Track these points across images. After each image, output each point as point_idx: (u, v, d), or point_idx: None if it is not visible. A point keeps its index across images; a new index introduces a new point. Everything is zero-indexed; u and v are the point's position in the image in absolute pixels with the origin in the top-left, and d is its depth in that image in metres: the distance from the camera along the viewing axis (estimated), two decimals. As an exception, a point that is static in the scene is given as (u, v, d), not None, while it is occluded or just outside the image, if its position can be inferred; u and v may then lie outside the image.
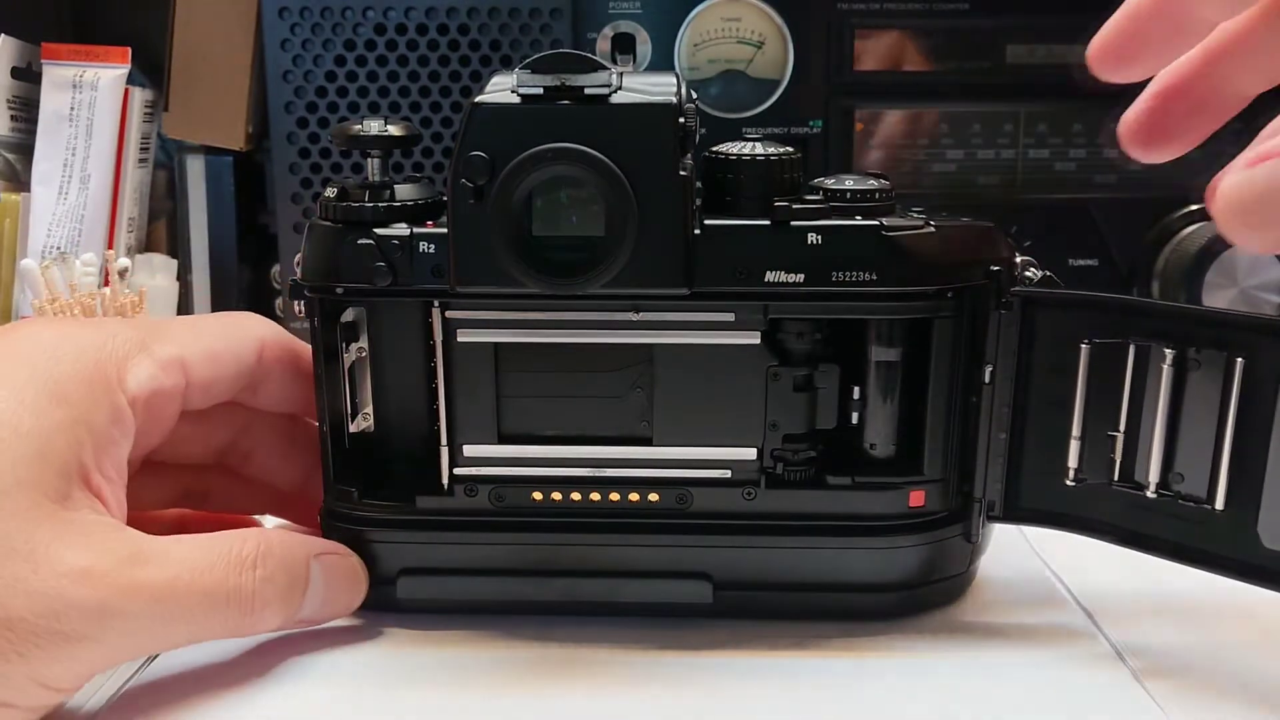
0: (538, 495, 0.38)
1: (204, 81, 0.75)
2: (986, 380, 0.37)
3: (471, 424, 0.38)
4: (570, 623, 0.38)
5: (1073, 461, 0.37)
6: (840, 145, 0.69)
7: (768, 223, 0.35)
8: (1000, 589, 0.41)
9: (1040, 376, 0.37)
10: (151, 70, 0.80)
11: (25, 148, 0.77)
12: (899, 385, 0.38)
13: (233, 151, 0.77)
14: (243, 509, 0.42)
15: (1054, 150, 0.63)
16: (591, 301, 0.36)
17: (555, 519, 0.38)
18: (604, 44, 0.69)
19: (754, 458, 0.38)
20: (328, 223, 0.37)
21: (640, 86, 0.34)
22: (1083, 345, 0.36)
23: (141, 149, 0.80)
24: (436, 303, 0.37)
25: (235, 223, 0.78)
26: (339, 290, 0.37)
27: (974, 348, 0.37)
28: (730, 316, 0.36)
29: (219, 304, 0.78)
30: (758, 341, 0.37)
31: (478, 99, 0.34)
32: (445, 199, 0.35)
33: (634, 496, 0.38)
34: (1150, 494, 0.35)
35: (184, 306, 0.78)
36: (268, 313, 0.77)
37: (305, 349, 0.39)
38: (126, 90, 0.77)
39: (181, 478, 0.40)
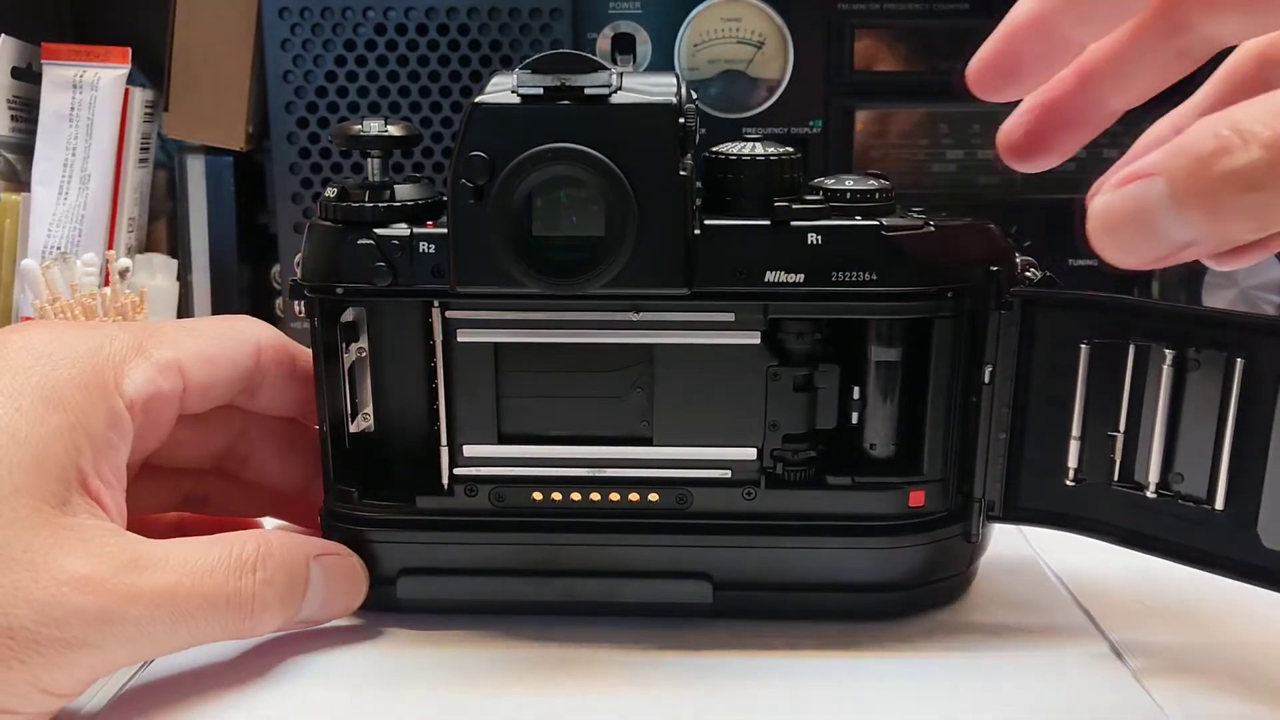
0: (538, 495, 0.38)
1: (204, 81, 0.75)
2: (986, 380, 0.37)
3: (471, 424, 0.38)
4: (570, 623, 0.38)
5: (1073, 461, 0.37)
6: (840, 145, 0.69)
7: (768, 223, 0.35)
8: (1000, 589, 0.41)
9: (1040, 376, 0.37)
10: (151, 70, 0.80)
11: (25, 148, 0.77)
12: (899, 385, 0.38)
13: (233, 151, 0.77)
14: (242, 512, 0.42)
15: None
16: (591, 301, 0.36)
17: (555, 519, 0.38)
18: (604, 44, 0.69)
19: (754, 458, 0.38)
20: (328, 223, 0.37)
21: (640, 86, 0.34)
22: (1082, 345, 0.36)
23: (141, 149, 0.80)
24: (436, 303, 0.37)
25: (235, 223, 0.78)
26: (339, 290, 0.37)
27: (974, 348, 0.37)
28: (730, 316, 0.36)
29: (219, 304, 0.78)
30: (758, 341, 0.37)
31: (478, 99, 0.34)
32: (445, 199, 0.35)
33: (634, 496, 0.38)
34: (1150, 494, 0.35)
35: (184, 307, 0.78)
36: (268, 313, 0.77)
37: (302, 352, 0.39)
38: (126, 90, 0.77)
39: (181, 482, 0.40)
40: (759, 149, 0.37)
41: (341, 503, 0.38)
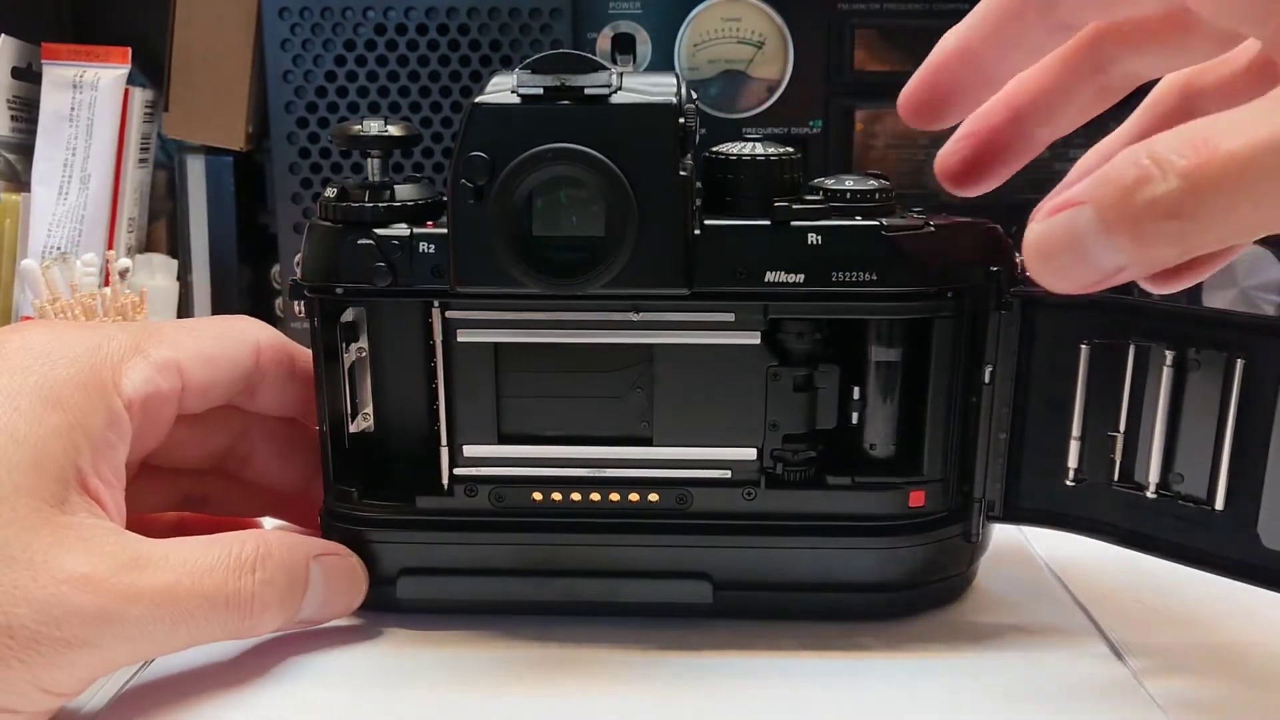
0: (538, 495, 0.38)
1: (204, 81, 0.75)
2: (986, 380, 0.37)
3: (471, 424, 0.38)
4: (570, 623, 0.38)
5: (1073, 461, 0.37)
6: (840, 145, 0.69)
7: (768, 223, 0.35)
8: (1000, 589, 0.41)
9: (1040, 376, 0.37)
10: (151, 70, 0.80)
11: (25, 148, 0.77)
12: (899, 385, 0.38)
13: (233, 151, 0.77)
14: (242, 512, 0.42)
15: (1054, 150, 0.63)
16: (591, 301, 0.36)
17: (555, 519, 0.38)
18: (604, 44, 0.69)
19: (754, 458, 0.38)
20: (328, 223, 0.37)
21: (640, 86, 0.34)
22: (1083, 345, 0.36)
23: (141, 149, 0.80)
24: (436, 303, 0.37)
25: (235, 223, 0.78)
26: (339, 290, 0.37)
27: (974, 348, 0.37)
28: (730, 316, 0.36)
29: (219, 304, 0.78)
30: (758, 341, 0.37)
31: (478, 99, 0.34)
32: (445, 199, 0.35)
33: (634, 496, 0.38)
34: (1150, 494, 0.35)
35: (184, 307, 0.78)
36: (268, 313, 0.77)
37: (301, 352, 0.39)
38: (126, 90, 0.77)
39: (180, 482, 0.40)
40: (759, 149, 0.36)
41: (341, 503, 0.38)
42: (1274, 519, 0.33)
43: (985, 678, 0.35)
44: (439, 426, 0.38)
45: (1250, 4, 0.29)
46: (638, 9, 0.69)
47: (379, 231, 0.36)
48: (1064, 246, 0.29)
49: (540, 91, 0.33)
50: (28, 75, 0.78)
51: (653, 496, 0.38)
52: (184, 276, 0.78)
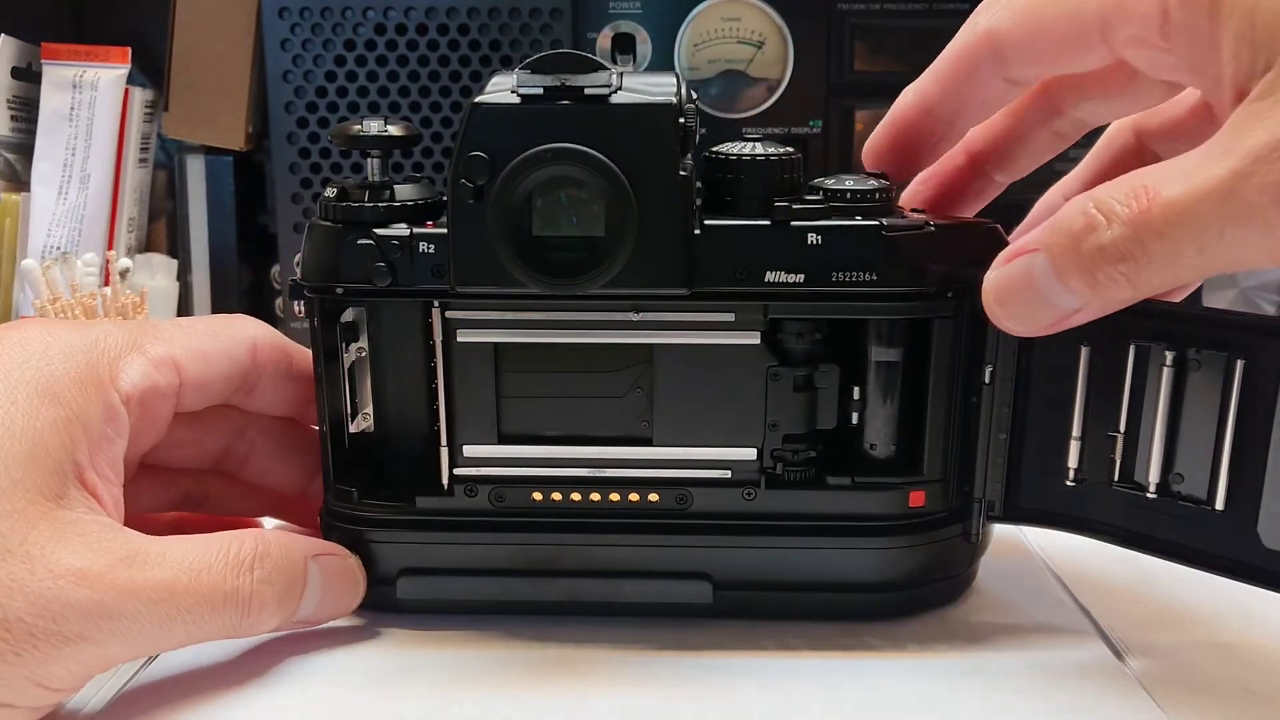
0: (538, 495, 0.38)
1: (204, 81, 0.75)
2: (986, 380, 0.37)
3: (471, 424, 0.38)
4: (570, 623, 0.38)
5: (1073, 462, 0.37)
6: (840, 145, 0.69)
7: (768, 223, 0.35)
8: (1000, 589, 0.41)
9: (1040, 377, 0.37)
10: (151, 70, 0.80)
11: (25, 148, 0.77)
12: (899, 385, 0.38)
13: (233, 151, 0.77)
14: (241, 512, 0.42)
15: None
16: (591, 301, 0.36)
17: (555, 519, 0.38)
18: (604, 44, 0.69)
19: (754, 458, 0.38)
20: (328, 223, 0.37)
21: (640, 86, 0.34)
22: (1082, 346, 0.36)
23: (141, 149, 0.80)
24: (436, 303, 0.37)
25: (235, 223, 0.78)
26: (339, 290, 0.37)
27: (974, 348, 0.37)
28: (730, 316, 0.36)
29: (219, 304, 0.78)
30: (758, 341, 0.37)
31: (478, 99, 0.34)
32: (445, 199, 0.35)
33: (634, 497, 0.38)
34: (1150, 494, 0.35)
35: (184, 307, 0.78)
36: (267, 313, 0.77)
37: (298, 350, 0.39)
38: (126, 90, 0.77)
39: (179, 482, 0.40)
40: (759, 149, 0.36)
41: (341, 503, 0.38)
42: (1274, 519, 0.33)
43: (985, 678, 0.35)
44: (439, 426, 0.38)
45: (1185, 59, 0.30)
46: (638, 9, 0.69)
47: (379, 231, 0.36)
48: (1020, 290, 0.31)
49: (540, 91, 0.33)
50: (28, 75, 0.78)
51: (653, 496, 0.38)
52: (184, 276, 0.78)
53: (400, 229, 0.36)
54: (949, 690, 0.34)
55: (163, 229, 0.82)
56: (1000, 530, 0.41)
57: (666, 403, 0.37)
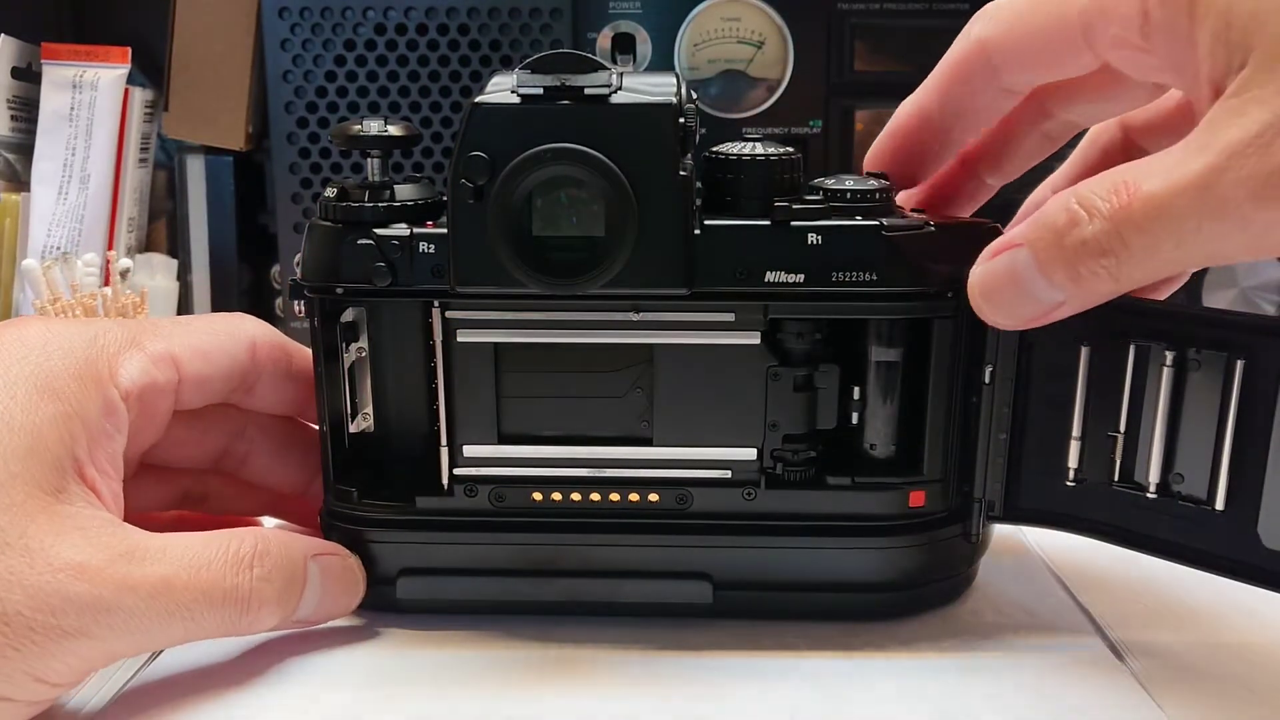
0: (538, 495, 0.38)
1: (204, 81, 0.75)
2: (986, 380, 0.37)
3: (471, 424, 0.38)
4: (570, 623, 0.38)
5: (1073, 462, 0.37)
6: (840, 145, 0.69)
7: (768, 223, 0.35)
8: (1000, 589, 0.41)
9: (1040, 377, 0.37)
10: (151, 70, 0.80)
11: (25, 148, 0.77)
12: (899, 385, 0.38)
13: (233, 151, 0.77)
14: (241, 511, 0.42)
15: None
16: (591, 301, 0.36)
17: (555, 519, 0.38)
18: (604, 44, 0.69)
19: (754, 458, 0.38)
20: (328, 223, 0.37)
21: (640, 86, 0.34)
22: (1082, 346, 0.36)
23: (141, 149, 0.80)
24: (436, 303, 0.37)
25: (235, 223, 0.78)
26: (339, 290, 0.37)
27: (974, 348, 0.37)
28: (730, 316, 0.36)
29: (219, 304, 0.78)
30: (758, 341, 0.37)
31: (478, 99, 0.34)
32: (445, 199, 0.35)
33: (634, 497, 0.38)
34: (1150, 494, 0.35)
35: (184, 306, 0.78)
36: (267, 313, 0.77)
37: (298, 349, 0.39)
38: (126, 90, 0.77)
39: (179, 481, 0.40)
40: (759, 149, 0.36)
41: (341, 502, 0.38)
42: (1274, 519, 0.33)
43: (985, 678, 0.35)
44: (439, 426, 0.38)
45: (1166, 59, 0.31)
46: (638, 9, 0.69)
47: (379, 231, 0.36)
48: (1005, 285, 0.32)
49: (540, 91, 0.33)
50: (28, 75, 0.78)
51: (653, 496, 0.38)
52: (184, 276, 0.78)
53: (400, 229, 0.36)
54: (949, 690, 0.34)
55: (163, 229, 0.83)
56: (1000, 530, 0.41)
57: (666, 403, 0.37)
